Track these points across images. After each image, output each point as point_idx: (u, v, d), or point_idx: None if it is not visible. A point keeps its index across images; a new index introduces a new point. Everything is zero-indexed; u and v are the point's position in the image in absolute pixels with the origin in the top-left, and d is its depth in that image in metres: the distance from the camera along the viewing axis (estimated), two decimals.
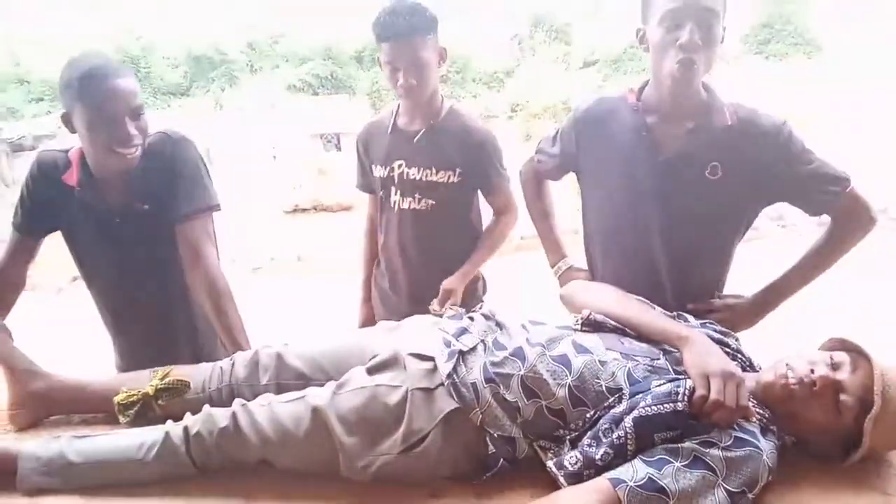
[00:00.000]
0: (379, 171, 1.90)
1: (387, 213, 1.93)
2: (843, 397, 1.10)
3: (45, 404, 1.39)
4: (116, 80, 1.41)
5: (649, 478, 1.00)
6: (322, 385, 1.23)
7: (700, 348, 1.16)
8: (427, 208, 1.86)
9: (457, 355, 1.20)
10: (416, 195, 1.86)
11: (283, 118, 10.53)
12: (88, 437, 1.22)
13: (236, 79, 12.31)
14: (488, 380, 1.16)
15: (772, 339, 1.68)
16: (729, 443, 1.04)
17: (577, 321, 1.29)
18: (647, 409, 1.07)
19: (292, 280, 5.86)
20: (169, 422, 1.22)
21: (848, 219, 1.46)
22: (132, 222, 1.55)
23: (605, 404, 1.12)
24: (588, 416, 1.13)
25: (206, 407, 1.23)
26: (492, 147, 1.86)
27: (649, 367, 1.16)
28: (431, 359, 1.21)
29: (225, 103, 11.56)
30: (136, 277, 1.61)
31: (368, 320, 2.08)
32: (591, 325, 1.27)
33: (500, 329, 1.30)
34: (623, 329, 1.26)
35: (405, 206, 1.87)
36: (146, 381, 1.35)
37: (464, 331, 1.28)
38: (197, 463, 1.18)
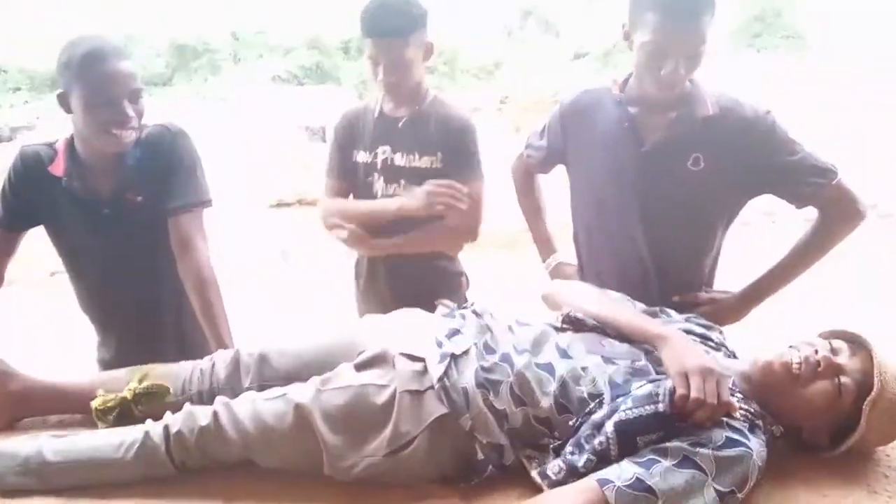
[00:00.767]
0: (363, 157, 1.88)
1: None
2: (843, 379, 1.11)
3: (21, 406, 1.36)
4: (117, 61, 1.42)
5: (637, 477, 0.99)
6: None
7: (677, 346, 1.14)
8: None
9: (448, 358, 1.18)
10: (401, 181, 1.83)
11: (268, 109, 10.41)
12: (66, 436, 1.20)
13: (220, 69, 12.15)
14: (479, 385, 1.15)
15: (758, 334, 1.68)
16: (719, 443, 1.03)
17: (558, 319, 1.28)
18: (627, 412, 1.06)
19: (275, 275, 5.81)
20: (149, 421, 1.20)
21: (835, 212, 1.46)
22: (122, 213, 1.55)
23: (587, 410, 1.11)
24: (571, 423, 1.12)
25: (188, 405, 1.20)
26: (471, 135, 1.83)
27: (630, 370, 1.15)
28: (422, 359, 1.19)
29: (208, 94, 11.42)
30: (123, 269, 1.59)
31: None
32: (572, 324, 1.27)
33: (490, 332, 1.27)
34: (603, 328, 1.26)
35: (389, 192, 1.85)
36: (124, 380, 1.32)
37: (456, 331, 1.26)
38: (177, 462, 1.15)
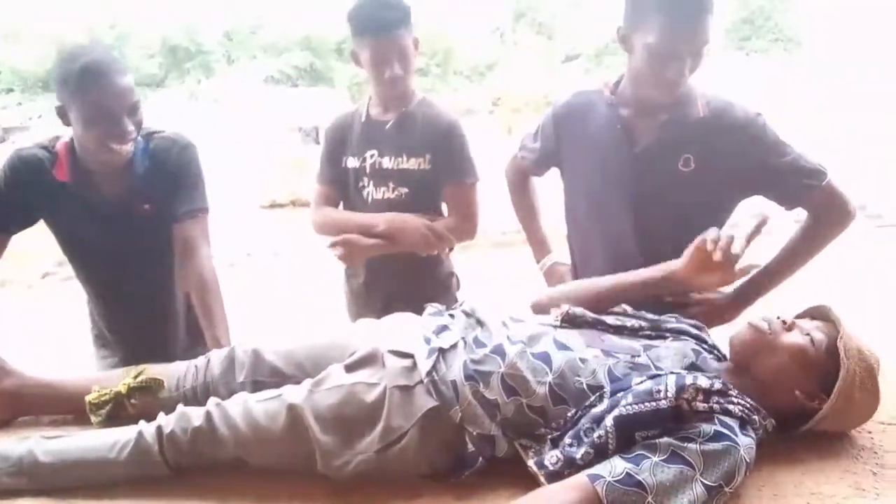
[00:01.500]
0: (352, 163, 1.88)
1: (359, 206, 1.91)
2: (814, 333, 1.17)
3: (15, 404, 1.36)
4: (115, 76, 1.41)
5: (627, 473, 1.00)
6: (299, 383, 1.21)
7: (684, 256, 1.31)
8: (400, 197, 1.84)
9: (436, 353, 1.19)
10: (390, 184, 1.84)
11: (261, 110, 10.38)
12: (59, 437, 1.19)
13: (213, 70, 12.13)
14: (468, 377, 1.15)
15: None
16: (707, 437, 1.04)
17: (556, 318, 1.29)
18: (627, 407, 1.07)
19: (269, 276, 5.80)
20: (142, 421, 1.20)
21: (824, 213, 1.47)
22: (130, 219, 1.58)
23: (587, 403, 1.12)
24: (569, 414, 1.13)
25: (181, 406, 1.20)
26: (459, 135, 1.84)
27: (630, 364, 1.16)
28: (411, 356, 1.20)
29: (201, 95, 11.39)
30: (129, 269, 1.63)
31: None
32: (571, 321, 1.28)
33: (481, 326, 1.29)
34: (602, 322, 1.27)
35: (378, 195, 1.85)
36: (119, 380, 1.32)
37: (444, 328, 1.27)
38: (170, 463, 1.15)
